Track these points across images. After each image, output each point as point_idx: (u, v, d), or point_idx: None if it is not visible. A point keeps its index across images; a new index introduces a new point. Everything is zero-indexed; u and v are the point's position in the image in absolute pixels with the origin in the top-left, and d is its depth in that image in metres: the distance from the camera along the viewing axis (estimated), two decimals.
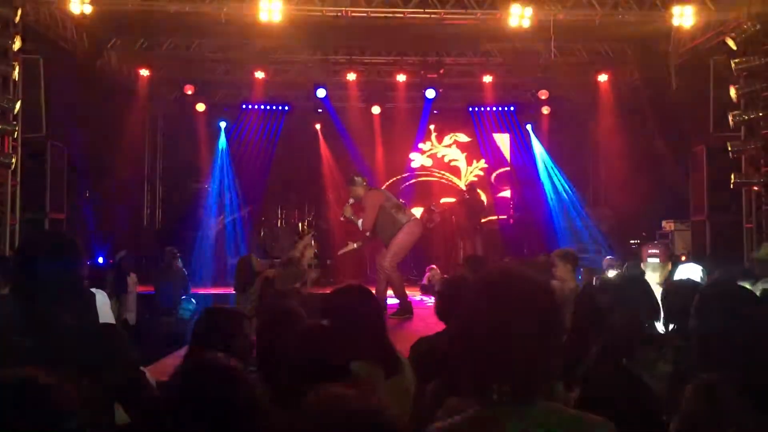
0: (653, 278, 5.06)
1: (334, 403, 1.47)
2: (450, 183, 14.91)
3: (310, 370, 2.35)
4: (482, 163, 14.91)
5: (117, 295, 7.94)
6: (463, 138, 14.90)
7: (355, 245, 8.82)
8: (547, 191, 14.10)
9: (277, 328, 2.75)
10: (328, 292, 3.41)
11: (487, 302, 1.66)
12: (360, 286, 3.26)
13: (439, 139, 15.05)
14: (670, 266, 5.02)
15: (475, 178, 14.91)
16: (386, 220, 8.27)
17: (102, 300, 5.46)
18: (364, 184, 8.50)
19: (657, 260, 5.13)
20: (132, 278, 8.76)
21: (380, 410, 1.48)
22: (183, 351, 5.08)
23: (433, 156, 15.05)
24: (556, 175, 14.00)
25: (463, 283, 3.41)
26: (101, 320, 5.14)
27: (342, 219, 8.65)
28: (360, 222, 8.29)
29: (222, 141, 14.14)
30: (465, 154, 14.99)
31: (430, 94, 13.12)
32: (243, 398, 1.73)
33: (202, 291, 10.34)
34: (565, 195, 13.81)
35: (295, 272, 5.76)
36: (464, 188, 14.23)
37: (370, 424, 1.45)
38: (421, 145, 14.85)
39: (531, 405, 1.61)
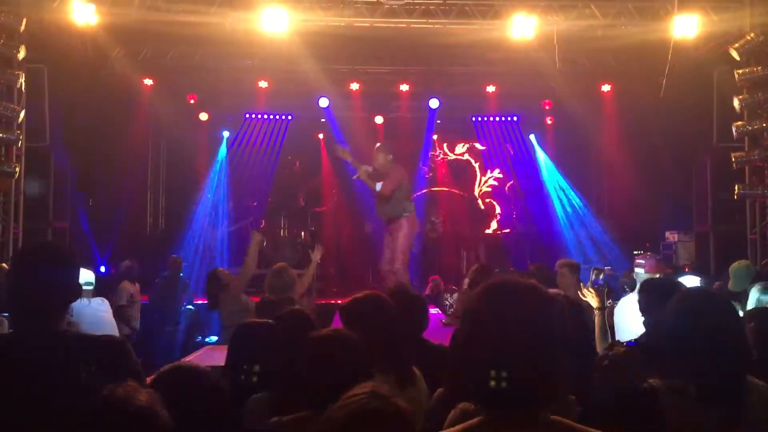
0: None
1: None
2: (460, 193, 14.85)
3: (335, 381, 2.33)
4: (497, 173, 14.86)
5: None
6: (477, 146, 14.85)
7: (369, 168, 8.36)
8: (550, 201, 14.10)
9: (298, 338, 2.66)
10: (339, 300, 3.38)
11: (487, 312, 1.66)
12: (377, 294, 3.20)
13: (452, 148, 15.00)
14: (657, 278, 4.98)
15: (489, 189, 14.86)
16: (397, 198, 8.15)
17: (104, 308, 5.48)
18: (390, 157, 8.32)
19: (642, 270, 5.12)
20: (136, 287, 8.74)
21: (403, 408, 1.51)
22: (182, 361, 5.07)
23: (442, 163, 14.98)
24: (561, 185, 14.00)
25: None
26: (103, 328, 5.16)
27: (354, 178, 8.43)
28: (379, 184, 8.09)
29: (222, 150, 14.17)
30: (478, 163, 14.94)
31: (434, 104, 13.14)
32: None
33: (204, 301, 10.30)
34: (569, 205, 13.80)
35: (287, 281, 5.71)
36: (470, 199, 14.23)
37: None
38: (431, 154, 14.82)
39: (536, 418, 1.60)
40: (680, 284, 3.47)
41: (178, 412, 1.79)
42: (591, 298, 4.14)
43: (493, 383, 1.60)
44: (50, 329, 2.29)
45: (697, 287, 3.84)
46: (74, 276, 2.44)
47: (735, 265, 5.76)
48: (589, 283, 4.20)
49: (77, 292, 2.45)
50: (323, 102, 12.84)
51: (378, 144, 8.56)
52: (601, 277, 4.26)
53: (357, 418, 1.43)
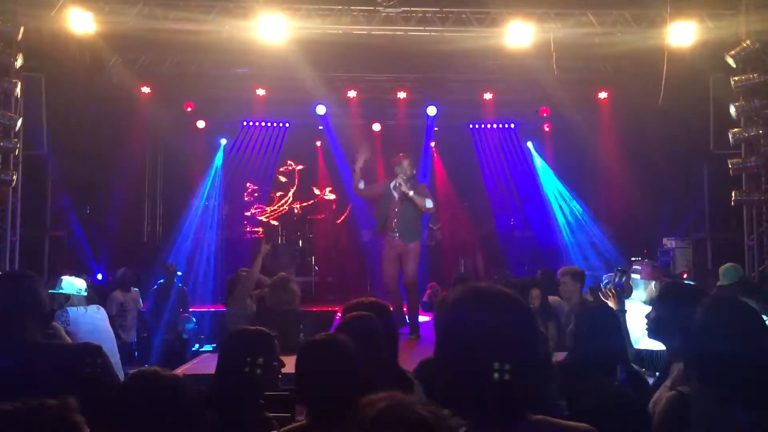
0: (637, 295, 5.05)
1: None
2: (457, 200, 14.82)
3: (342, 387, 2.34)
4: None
5: None
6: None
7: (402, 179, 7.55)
8: (548, 208, 14.11)
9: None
10: (336, 308, 3.40)
11: (458, 319, 1.67)
12: (373, 301, 3.20)
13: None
14: (653, 284, 5.00)
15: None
16: (419, 217, 7.78)
17: (100, 316, 5.47)
18: (415, 172, 7.87)
19: (638, 276, 5.15)
20: (130, 296, 8.72)
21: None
22: (180, 369, 5.07)
23: (440, 170, 14.94)
24: (559, 191, 14.01)
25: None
26: (100, 336, 5.15)
27: (402, 189, 7.49)
28: (429, 201, 7.55)
29: (218, 158, 14.18)
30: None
31: (432, 111, 13.16)
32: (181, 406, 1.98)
33: (201, 309, 10.30)
34: (567, 212, 13.81)
35: (290, 294, 5.73)
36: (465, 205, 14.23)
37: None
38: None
39: (519, 421, 1.61)
40: (702, 291, 3.46)
41: (144, 417, 1.87)
42: (611, 300, 4.12)
43: (464, 389, 1.61)
44: (21, 341, 2.52)
45: (727, 296, 3.84)
46: (34, 297, 2.73)
47: (724, 266, 6.12)
48: (611, 285, 4.18)
49: (41, 310, 2.73)
50: (320, 109, 12.85)
51: (402, 154, 8.01)
52: (624, 279, 4.24)
53: (380, 425, 1.41)
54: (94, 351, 2.58)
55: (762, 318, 2.60)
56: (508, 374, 1.58)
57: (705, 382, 2.37)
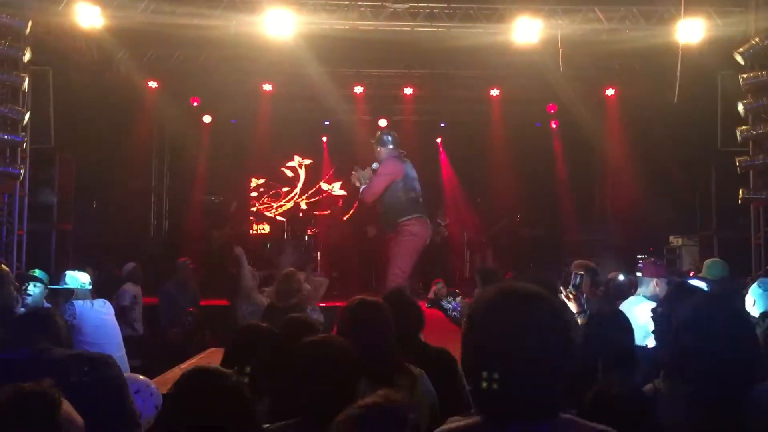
0: (641, 292, 5.05)
1: None
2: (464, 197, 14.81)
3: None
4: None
5: None
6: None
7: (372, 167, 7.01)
8: (555, 205, 14.07)
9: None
10: (338, 305, 3.39)
11: (497, 318, 1.64)
12: (365, 299, 3.21)
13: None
14: (655, 281, 4.98)
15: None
16: (394, 201, 6.84)
17: (106, 310, 5.49)
18: (391, 148, 6.93)
19: (640, 274, 5.16)
20: (138, 289, 8.76)
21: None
22: (186, 363, 5.08)
23: (446, 166, 14.90)
24: (566, 188, 13.98)
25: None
26: (105, 330, 5.18)
27: (357, 184, 6.91)
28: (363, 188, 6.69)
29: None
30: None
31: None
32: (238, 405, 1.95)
33: (209, 303, 10.30)
34: (576, 209, 13.78)
35: (292, 287, 5.75)
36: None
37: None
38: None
39: (548, 419, 1.60)
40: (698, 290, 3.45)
41: (200, 413, 1.85)
42: (572, 302, 4.05)
43: (496, 390, 1.58)
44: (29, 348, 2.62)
45: (712, 295, 3.83)
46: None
47: (710, 260, 6.11)
48: (571, 287, 4.13)
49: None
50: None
51: (379, 134, 7.27)
52: (579, 280, 4.21)
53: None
54: (84, 360, 2.55)
55: (748, 321, 2.58)
56: (533, 374, 1.57)
57: (679, 380, 2.35)
